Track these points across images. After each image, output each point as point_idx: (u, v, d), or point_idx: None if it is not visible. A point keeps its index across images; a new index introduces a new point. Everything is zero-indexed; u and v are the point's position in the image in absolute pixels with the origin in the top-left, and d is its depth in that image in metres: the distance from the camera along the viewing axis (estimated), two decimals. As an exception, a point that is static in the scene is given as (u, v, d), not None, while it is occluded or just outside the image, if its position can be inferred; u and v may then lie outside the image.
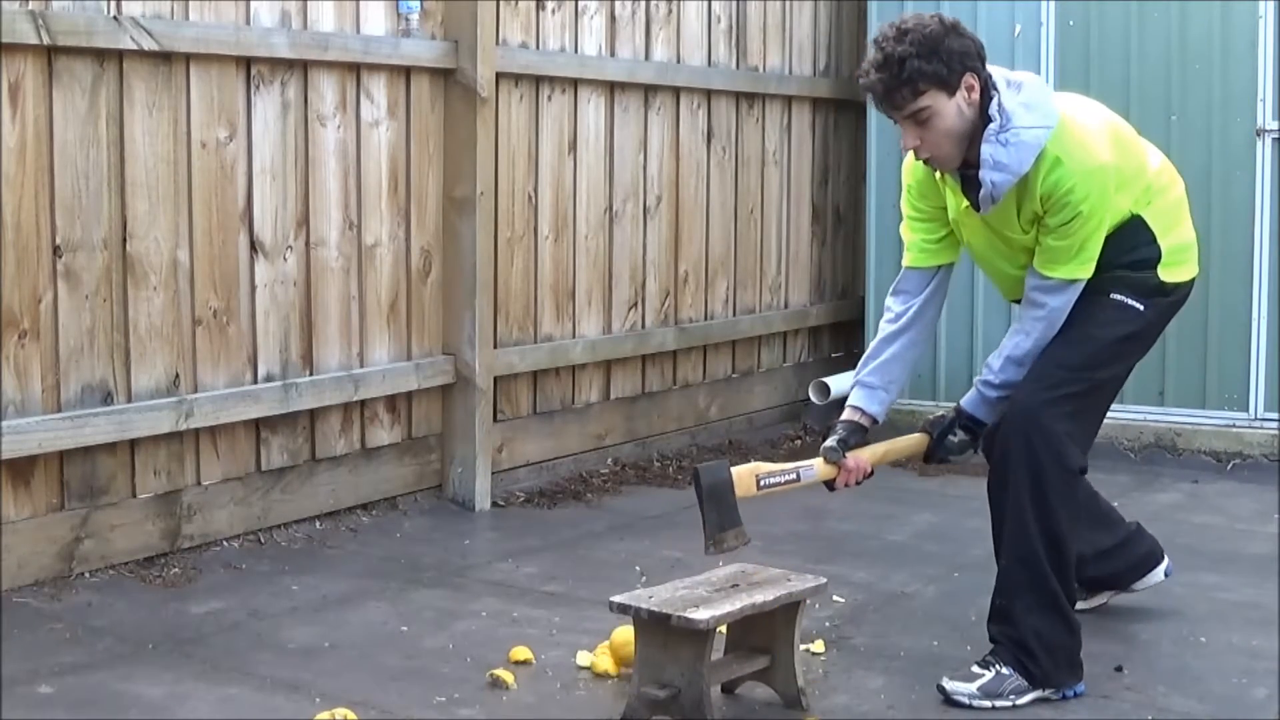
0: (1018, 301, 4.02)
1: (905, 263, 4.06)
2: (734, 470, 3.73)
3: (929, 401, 7.17)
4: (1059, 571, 3.76)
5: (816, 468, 3.88)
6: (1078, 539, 3.87)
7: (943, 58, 3.64)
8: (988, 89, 3.72)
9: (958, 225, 3.97)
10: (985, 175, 3.71)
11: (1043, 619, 3.75)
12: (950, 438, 3.98)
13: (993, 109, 3.69)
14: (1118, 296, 3.85)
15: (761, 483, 3.75)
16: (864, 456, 3.94)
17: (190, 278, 4.79)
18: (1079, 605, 4.17)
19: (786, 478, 3.82)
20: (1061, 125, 3.73)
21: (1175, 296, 3.97)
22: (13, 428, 4.31)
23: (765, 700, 3.75)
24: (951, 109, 3.68)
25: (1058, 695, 3.77)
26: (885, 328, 4.06)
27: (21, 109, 4.32)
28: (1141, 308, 3.87)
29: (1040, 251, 3.81)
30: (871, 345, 4.09)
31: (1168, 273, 3.91)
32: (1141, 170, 3.91)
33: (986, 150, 3.69)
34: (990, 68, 3.78)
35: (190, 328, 4.80)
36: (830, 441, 3.94)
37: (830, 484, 3.92)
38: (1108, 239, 3.82)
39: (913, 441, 4.06)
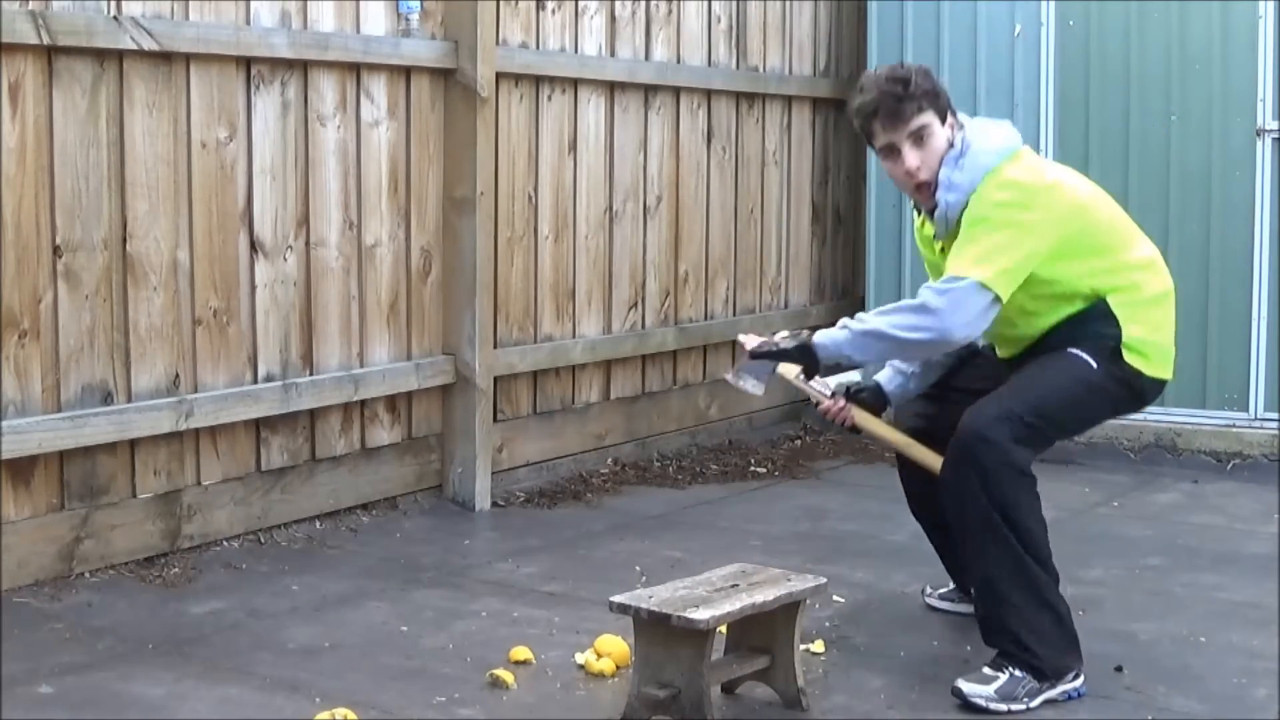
0: (1009, 360, 4.06)
1: None
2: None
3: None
4: (1030, 551, 3.74)
5: (826, 388, 4.17)
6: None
7: (937, 87, 3.95)
8: (960, 126, 3.96)
9: (939, 270, 4.06)
10: (940, 196, 3.88)
11: (1031, 612, 3.74)
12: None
13: (957, 138, 3.90)
14: (1074, 350, 3.88)
15: (799, 375, 4.03)
16: (859, 414, 4.15)
17: (190, 278, 4.79)
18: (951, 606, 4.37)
19: (816, 388, 4.13)
20: (1017, 155, 3.90)
21: (1130, 378, 3.90)
22: (13, 428, 4.31)
23: (765, 700, 3.75)
24: (943, 134, 3.91)
25: (1064, 698, 3.77)
26: None
27: (21, 109, 4.32)
28: (1094, 364, 3.86)
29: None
30: None
31: (1130, 355, 3.90)
32: (1113, 248, 3.93)
33: (944, 173, 3.87)
34: (972, 118, 4.04)
35: (190, 328, 4.80)
36: (849, 381, 4.21)
37: (819, 403, 4.21)
38: (1068, 318, 3.86)
39: (926, 456, 4.12)
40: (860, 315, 3.91)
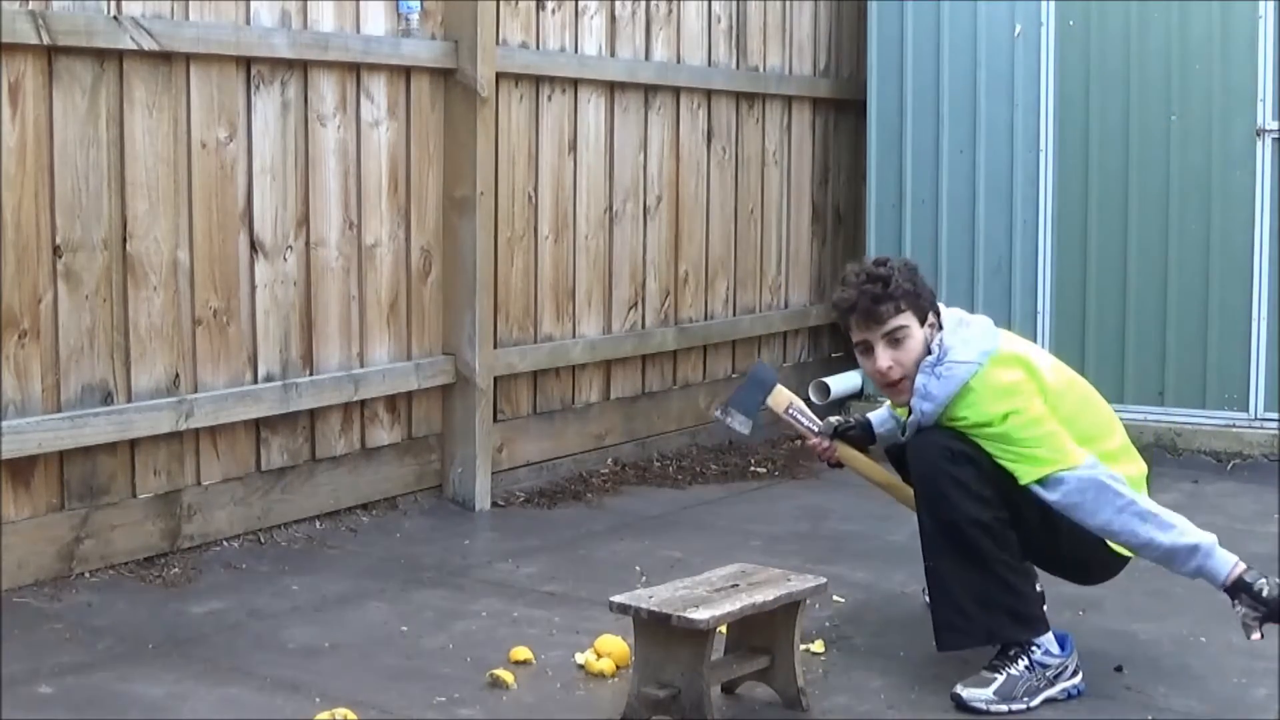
0: None
1: None
2: (780, 385, 4.17)
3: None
4: (986, 538, 3.72)
5: (815, 425, 4.25)
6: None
7: (918, 287, 3.91)
8: (939, 327, 3.92)
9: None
10: (915, 404, 3.86)
11: (972, 580, 3.73)
12: None
13: (934, 343, 3.85)
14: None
15: (790, 410, 4.17)
16: (844, 452, 4.25)
17: (190, 278, 4.79)
18: None
19: (805, 424, 4.22)
20: (996, 357, 3.81)
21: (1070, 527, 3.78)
22: (13, 428, 4.31)
23: (765, 700, 3.75)
24: (920, 335, 3.88)
25: (1063, 696, 3.77)
26: None
27: (21, 109, 4.32)
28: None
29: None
30: None
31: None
32: (1089, 438, 3.84)
33: (920, 380, 3.84)
34: (949, 310, 3.99)
35: (190, 328, 4.80)
36: (837, 419, 4.32)
37: (806, 440, 4.30)
38: None
39: (906, 492, 4.15)
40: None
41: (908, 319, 3.86)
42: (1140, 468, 3.98)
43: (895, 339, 3.86)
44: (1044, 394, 3.80)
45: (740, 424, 4.15)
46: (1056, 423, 3.77)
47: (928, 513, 3.82)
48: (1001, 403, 3.75)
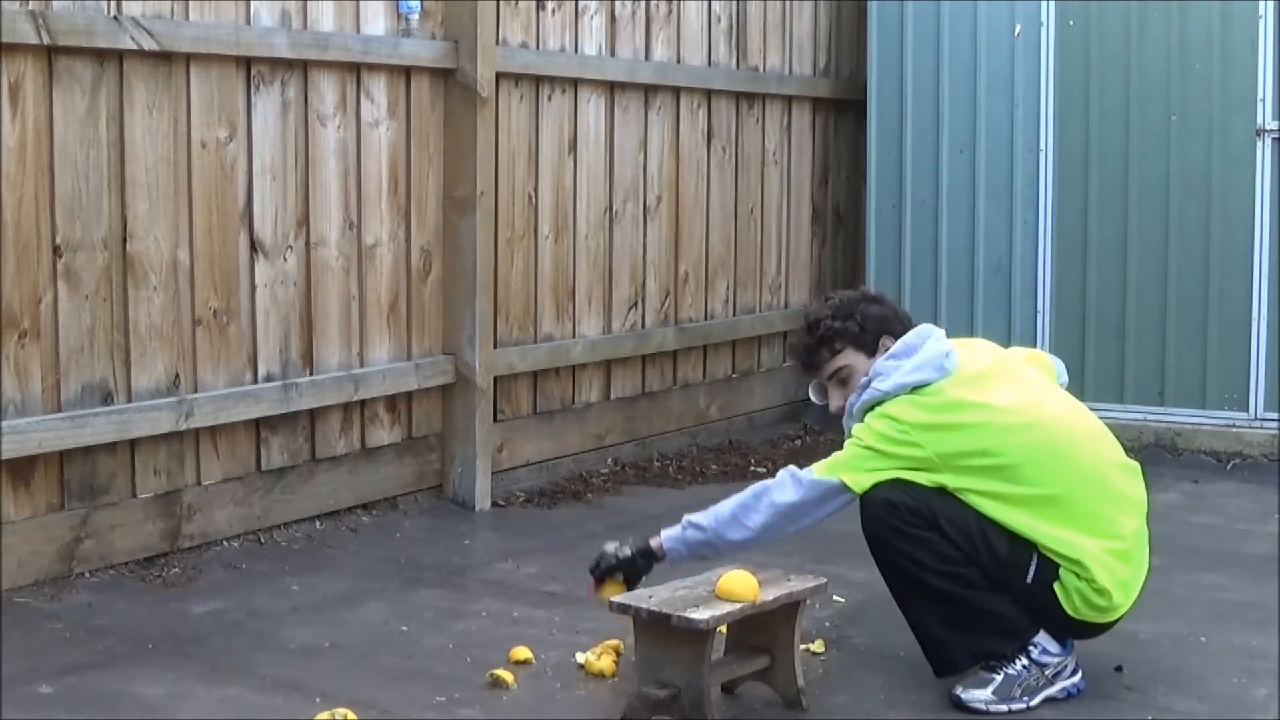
0: None
1: None
2: None
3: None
4: (941, 578, 3.69)
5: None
6: None
7: (857, 319, 3.85)
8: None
9: None
10: (845, 422, 3.88)
11: (943, 613, 3.71)
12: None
13: (872, 368, 3.80)
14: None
15: None
16: None
17: (190, 278, 4.79)
18: None
19: None
20: (926, 389, 3.69)
21: (1049, 607, 3.70)
22: (13, 428, 4.31)
23: (765, 700, 3.75)
24: (866, 367, 3.82)
25: (1063, 695, 3.78)
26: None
27: (21, 109, 4.32)
28: (1031, 571, 3.67)
29: None
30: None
31: (1060, 591, 3.68)
32: (1035, 503, 3.66)
33: (851, 398, 3.84)
34: (920, 329, 3.82)
35: (190, 328, 4.80)
36: None
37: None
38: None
39: None
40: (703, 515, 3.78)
41: (846, 357, 3.84)
42: (1097, 544, 3.67)
43: (840, 379, 3.88)
44: (940, 444, 3.64)
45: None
46: (886, 458, 3.65)
47: (883, 564, 3.82)
48: (878, 421, 3.69)
